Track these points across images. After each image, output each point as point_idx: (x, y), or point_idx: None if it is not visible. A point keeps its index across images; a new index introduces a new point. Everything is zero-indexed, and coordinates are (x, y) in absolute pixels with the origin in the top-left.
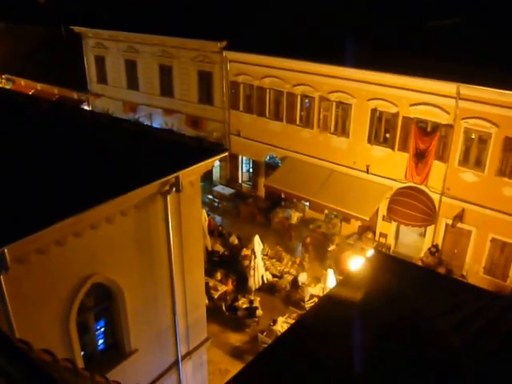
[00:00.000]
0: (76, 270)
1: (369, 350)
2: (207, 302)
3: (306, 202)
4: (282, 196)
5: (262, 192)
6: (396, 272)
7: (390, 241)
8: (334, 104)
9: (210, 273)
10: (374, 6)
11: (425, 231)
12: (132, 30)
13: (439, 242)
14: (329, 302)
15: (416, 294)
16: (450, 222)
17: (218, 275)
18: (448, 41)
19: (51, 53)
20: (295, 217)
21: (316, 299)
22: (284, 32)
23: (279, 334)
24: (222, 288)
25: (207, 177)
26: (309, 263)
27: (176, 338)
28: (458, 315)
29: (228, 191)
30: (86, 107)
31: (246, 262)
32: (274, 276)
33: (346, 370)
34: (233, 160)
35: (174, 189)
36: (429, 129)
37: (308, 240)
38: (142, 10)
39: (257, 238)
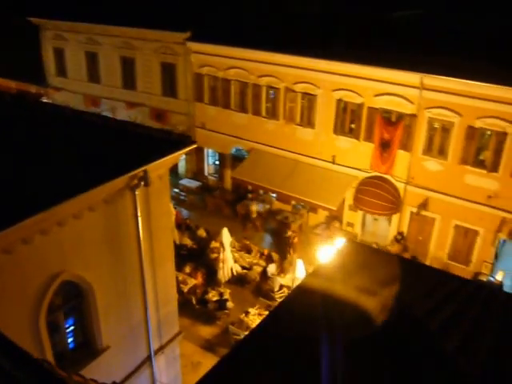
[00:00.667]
0: (44, 269)
1: (346, 340)
2: (177, 296)
3: (273, 193)
4: (249, 188)
5: (228, 184)
6: (368, 260)
7: (357, 229)
8: (300, 95)
9: (178, 267)
10: None
11: (390, 219)
12: (92, 20)
13: (404, 229)
14: (302, 293)
15: (391, 281)
16: (414, 210)
17: (187, 269)
18: (411, 31)
19: (7, 45)
20: (254, 208)
21: (286, 289)
22: (248, 22)
23: (250, 325)
24: (192, 281)
25: (173, 170)
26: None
27: (148, 333)
28: (432, 300)
29: (194, 184)
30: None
31: (215, 255)
32: (243, 268)
33: (321, 364)
34: (198, 153)
35: (142, 183)
36: (393, 119)
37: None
38: (103, 0)
39: (225, 231)
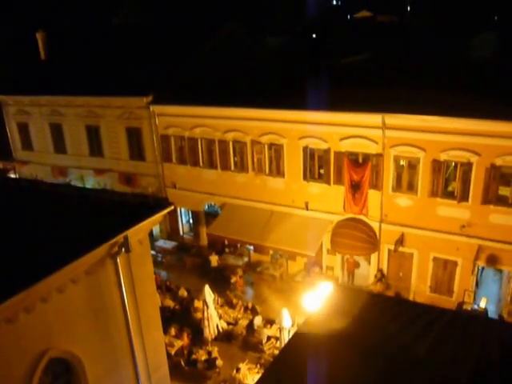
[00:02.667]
0: (30, 347)
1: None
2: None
3: (250, 245)
4: (226, 243)
5: (204, 241)
6: (358, 305)
7: (337, 272)
8: (266, 146)
9: (163, 329)
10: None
11: (369, 259)
12: (54, 93)
13: (384, 267)
14: (296, 346)
15: (384, 324)
16: (391, 247)
17: (173, 331)
18: (364, 74)
19: None
20: (213, 258)
21: (273, 340)
22: (208, 81)
23: (242, 380)
24: (178, 343)
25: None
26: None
27: None
28: (429, 338)
29: (170, 245)
30: (13, 176)
31: (199, 315)
32: (228, 323)
33: None
34: (172, 213)
35: (123, 249)
36: (360, 160)
37: (234, 279)
38: (62, 73)
39: (207, 288)
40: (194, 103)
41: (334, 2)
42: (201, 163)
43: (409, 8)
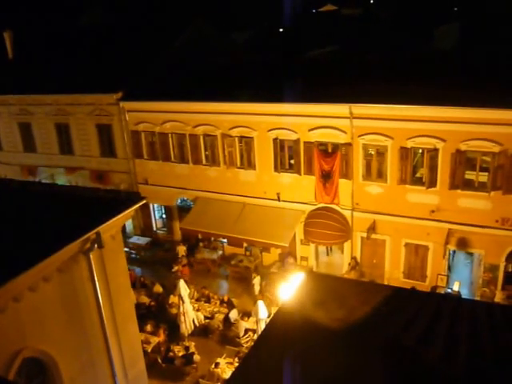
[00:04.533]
0: (3, 348)
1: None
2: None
3: (224, 238)
4: (200, 237)
5: (178, 236)
6: (329, 290)
7: (311, 262)
8: (237, 139)
9: (139, 326)
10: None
11: (342, 248)
12: (22, 92)
13: (357, 255)
14: (269, 337)
15: (360, 306)
16: (364, 234)
17: (148, 327)
18: (332, 66)
19: None
20: (181, 249)
21: (251, 333)
22: (178, 77)
23: (221, 375)
24: (155, 340)
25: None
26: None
27: None
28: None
29: (144, 241)
30: None
31: (174, 310)
32: (205, 318)
33: None
34: (144, 209)
35: (95, 245)
36: (330, 150)
37: (176, 268)
38: (31, 71)
39: (182, 283)
40: (163, 98)
41: None
42: (172, 158)
43: (372, 0)
